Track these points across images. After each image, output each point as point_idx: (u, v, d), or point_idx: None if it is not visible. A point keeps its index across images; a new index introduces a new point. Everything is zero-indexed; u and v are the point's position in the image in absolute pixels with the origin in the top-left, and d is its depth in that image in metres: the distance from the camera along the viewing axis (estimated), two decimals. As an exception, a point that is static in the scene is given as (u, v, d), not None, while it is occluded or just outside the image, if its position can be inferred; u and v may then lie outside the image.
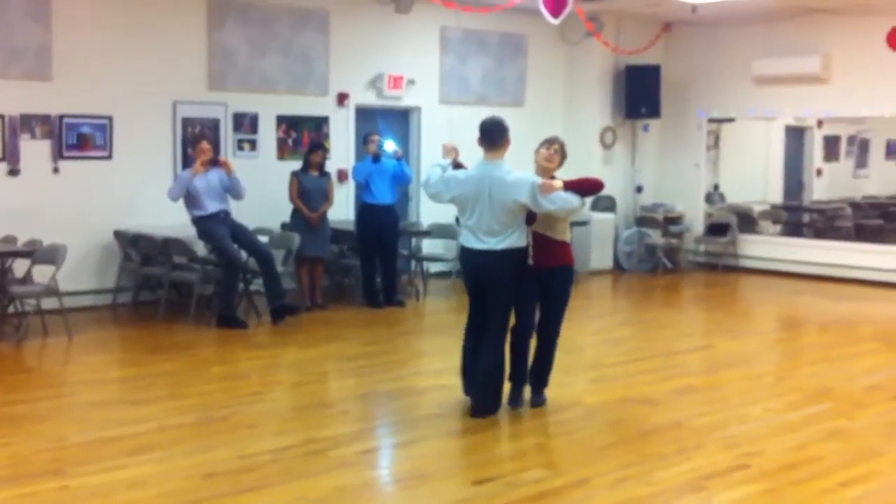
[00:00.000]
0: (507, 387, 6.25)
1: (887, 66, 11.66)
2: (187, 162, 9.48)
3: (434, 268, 11.54)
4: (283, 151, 10.70)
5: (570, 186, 5.91)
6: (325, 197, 9.74)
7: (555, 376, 7.16)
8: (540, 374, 6.37)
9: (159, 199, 9.31)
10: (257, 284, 9.28)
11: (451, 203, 6.29)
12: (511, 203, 5.91)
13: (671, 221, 13.21)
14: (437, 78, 11.95)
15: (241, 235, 8.94)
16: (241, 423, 5.96)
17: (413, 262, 11.12)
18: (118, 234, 9.58)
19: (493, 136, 6.21)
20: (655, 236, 13.13)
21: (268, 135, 10.60)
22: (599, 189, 6.22)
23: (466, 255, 6.13)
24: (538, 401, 6.34)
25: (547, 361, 6.36)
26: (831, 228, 14.07)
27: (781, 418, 6.24)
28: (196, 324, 8.87)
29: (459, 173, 6.26)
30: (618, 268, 13.07)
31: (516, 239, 5.98)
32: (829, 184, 14.92)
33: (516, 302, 6.11)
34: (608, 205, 13.12)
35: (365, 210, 9.91)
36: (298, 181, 9.63)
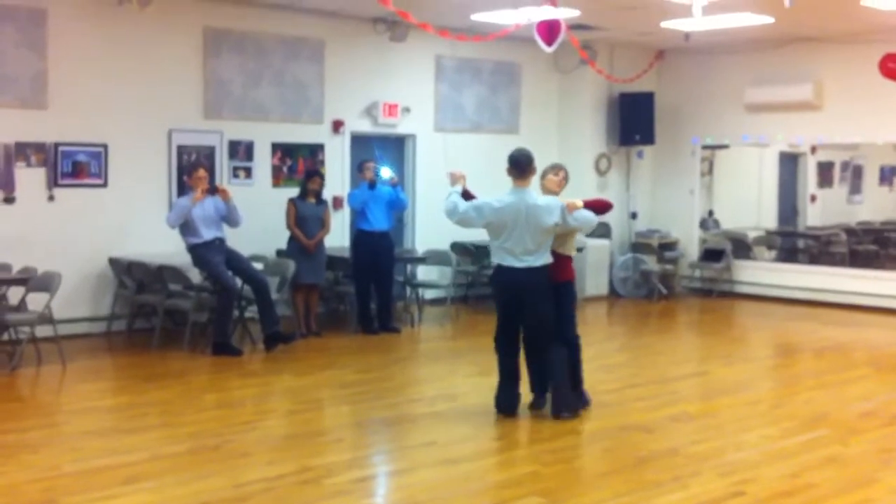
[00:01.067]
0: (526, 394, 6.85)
1: (879, 92, 11.72)
2: (182, 190, 9.49)
3: (429, 294, 11.55)
4: (279, 178, 10.73)
5: (588, 206, 6.72)
6: (322, 224, 9.76)
7: (548, 404, 7.18)
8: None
9: (154, 226, 9.34)
10: (252, 312, 9.27)
11: (483, 228, 6.90)
12: (546, 224, 6.56)
13: (666, 247, 13.25)
14: (432, 106, 12.01)
15: (236, 262, 8.94)
16: (235, 451, 5.94)
17: (408, 289, 11.12)
18: (113, 262, 9.58)
19: (523, 165, 6.86)
20: (650, 262, 13.16)
21: (263, 162, 10.63)
22: (610, 208, 6.99)
23: (506, 273, 6.72)
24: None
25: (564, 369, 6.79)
26: (826, 254, 14.10)
27: (777, 445, 6.23)
28: (191, 351, 8.86)
29: (493, 201, 6.81)
30: (613, 294, 13.08)
31: (548, 256, 6.68)
32: (823, 210, 14.97)
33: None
34: (603, 231, 13.14)
35: (360, 237, 9.93)
36: (296, 208, 9.65)
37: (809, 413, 7.05)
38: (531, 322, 6.73)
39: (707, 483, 5.42)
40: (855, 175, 15.31)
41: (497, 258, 6.79)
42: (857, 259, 13.85)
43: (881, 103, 11.76)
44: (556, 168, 7.07)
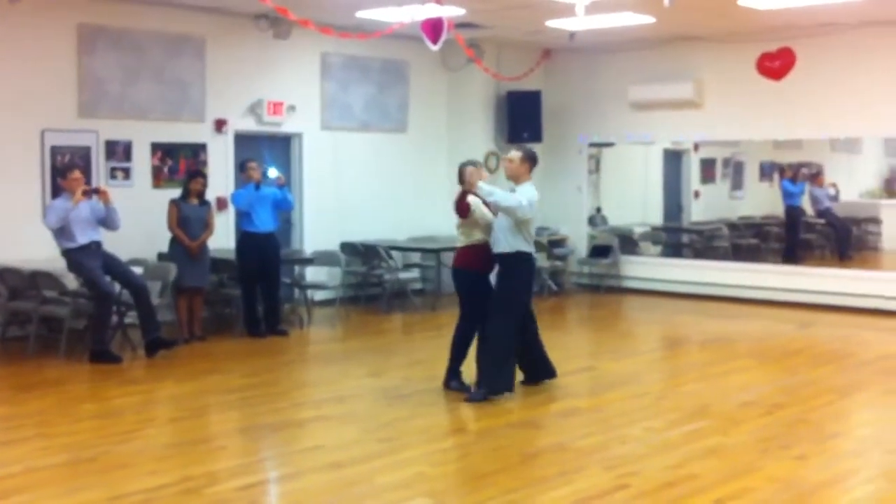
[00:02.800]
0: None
1: (757, 90, 12.08)
2: (56, 192, 9.12)
3: (319, 296, 11.39)
4: (159, 179, 10.42)
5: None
6: (206, 225, 9.52)
7: (439, 402, 7.18)
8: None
9: (27, 231, 8.98)
10: (132, 317, 8.98)
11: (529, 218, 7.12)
12: None
13: (555, 244, 13.37)
14: (319, 104, 11.84)
15: (114, 267, 8.65)
16: (114, 462, 5.73)
17: (296, 291, 10.94)
18: (-17, 268, 9.15)
19: (537, 160, 7.44)
20: (540, 259, 13.21)
21: (142, 163, 10.31)
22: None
23: (533, 262, 7.39)
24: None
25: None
26: (709, 248, 14.43)
27: (661, 437, 6.31)
28: (68, 359, 8.53)
29: (532, 195, 7.10)
30: (504, 291, 13.11)
31: None
32: (706, 205, 15.32)
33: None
34: (493, 229, 13.18)
35: (246, 238, 9.72)
36: (178, 209, 9.39)
37: (692, 405, 7.17)
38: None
39: (592, 477, 5.45)
40: (736, 171, 15.70)
41: (531, 248, 7.21)
42: (739, 253, 14.22)
43: (759, 101, 12.11)
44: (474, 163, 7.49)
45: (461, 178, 7.34)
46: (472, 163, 7.41)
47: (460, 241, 7.38)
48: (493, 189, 7.06)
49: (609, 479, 5.39)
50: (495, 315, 7.15)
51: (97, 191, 8.57)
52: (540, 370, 7.65)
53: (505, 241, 7.06)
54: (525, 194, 7.05)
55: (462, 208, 7.19)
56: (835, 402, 7.29)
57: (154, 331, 8.62)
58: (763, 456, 5.86)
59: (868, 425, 6.82)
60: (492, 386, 7.11)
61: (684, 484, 5.32)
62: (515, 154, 7.25)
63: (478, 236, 7.24)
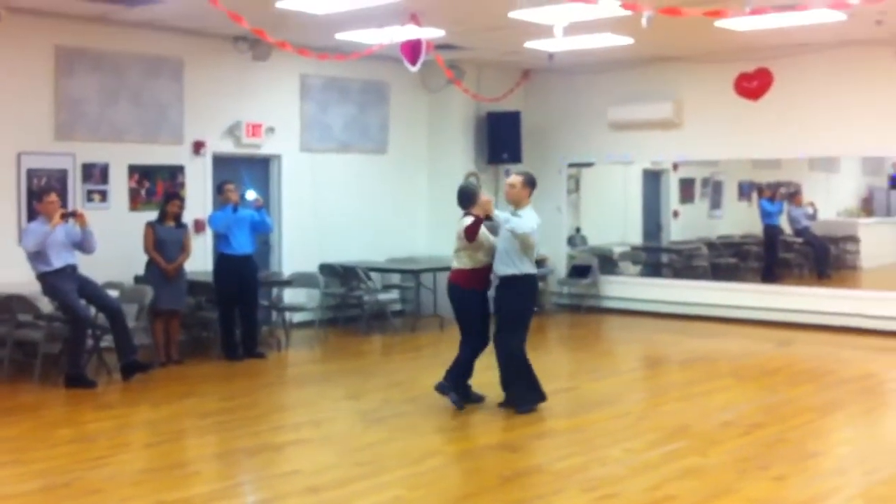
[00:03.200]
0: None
1: (736, 110, 12.15)
2: (32, 215, 9.04)
3: (297, 318, 11.32)
4: (136, 202, 10.34)
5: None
6: (182, 248, 9.46)
7: (417, 425, 7.14)
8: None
9: (1, 254, 8.87)
10: (108, 341, 8.88)
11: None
12: None
13: (535, 264, 13.30)
14: (298, 125, 11.81)
15: (89, 290, 8.56)
16: (87, 488, 5.66)
17: (274, 313, 10.88)
18: (-43, 292, 9.04)
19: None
20: (520, 280, 13.20)
21: (119, 185, 10.24)
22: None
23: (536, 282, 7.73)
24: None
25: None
26: (688, 268, 14.46)
27: (640, 458, 6.29)
28: (42, 384, 8.42)
29: (533, 219, 7.40)
30: (484, 312, 13.07)
31: None
32: (685, 225, 15.37)
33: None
34: (473, 250, 13.16)
35: (223, 261, 9.67)
36: (154, 232, 9.33)
37: (672, 425, 7.15)
38: None
39: (570, 499, 5.42)
40: (715, 191, 15.77)
41: (535, 269, 7.51)
42: (718, 272, 14.26)
43: (737, 121, 12.17)
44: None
45: (468, 202, 7.49)
46: (472, 185, 7.87)
47: (463, 264, 7.51)
48: (508, 216, 7.29)
49: (587, 502, 5.37)
50: (509, 334, 7.44)
51: (74, 214, 8.51)
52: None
53: (512, 264, 7.34)
54: (531, 219, 7.35)
55: (471, 233, 7.31)
56: (814, 422, 7.29)
57: (130, 354, 8.54)
58: (742, 476, 5.84)
59: (847, 444, 6.81)
60: (528, 400, 7.48)
61: (662, 506, 5.30)
62: (517, 179, 7.49)
63: (481, 259, 7.47)
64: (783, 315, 11.87)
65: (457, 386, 7.57)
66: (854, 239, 14.65)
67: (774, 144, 12.07)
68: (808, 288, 12.53)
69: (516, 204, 7.44)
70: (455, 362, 7.60)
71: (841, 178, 14.92)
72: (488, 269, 7.48)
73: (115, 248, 9.56)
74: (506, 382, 7.53)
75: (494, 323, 7.56)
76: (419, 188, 13.17)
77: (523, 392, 7.47)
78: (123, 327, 8.54)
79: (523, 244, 7.29)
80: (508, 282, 7.39)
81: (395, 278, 12.53)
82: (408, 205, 13.00)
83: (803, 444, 6.62)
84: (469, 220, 7.37)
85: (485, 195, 7.54)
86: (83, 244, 8.55)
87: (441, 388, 7.55)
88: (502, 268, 7.37)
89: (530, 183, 7.50)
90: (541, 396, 7.54)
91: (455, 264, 7.61)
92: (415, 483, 5.77)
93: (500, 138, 13.21)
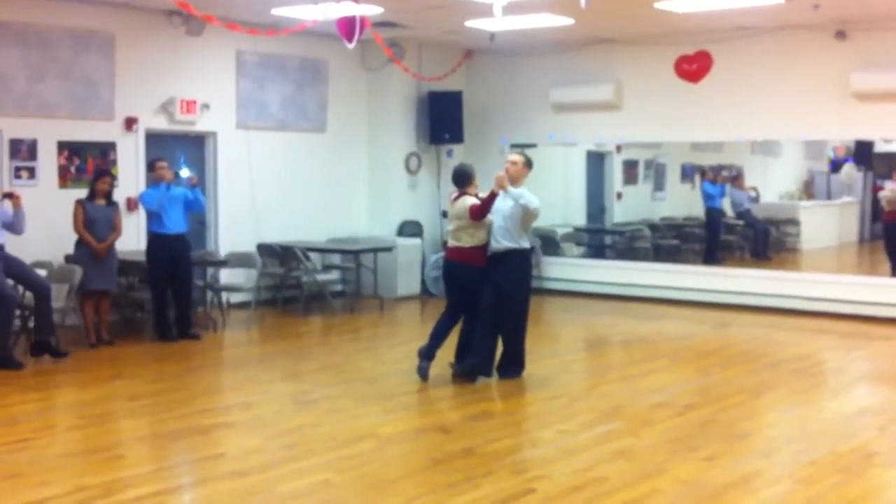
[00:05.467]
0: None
1: (676, 93, 12.15)
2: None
3: (235, 298, 11.14)
4: (66, 179, 10.07)
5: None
6: (113, 227, 9.23)
7: (349, 407, 7.05)
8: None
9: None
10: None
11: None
12: None
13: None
14: (234, 102, 11.58)
15: (16, 270, 8.34)
16: (4, 472, 5.50)
17: (209, 293, 10.68)
18: None
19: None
20: (462, 261, 13.13)
21: (48, 162, 9.96)
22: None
23: None
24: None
25: None
26: (631, 249, 14.51)
27: (572, 440, 6.25)
28: (-34, 366, 8.18)
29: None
30: (426, 293, 13.01)
31: None
32: (628, 206, 15.41)
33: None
34: (414, 230, 13.08)
35: (155, 240, 9.45)
36: (84, 210, 9.09)
37: (606, 406, 7.13)
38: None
39: (499, 482, 5.35)
40: (658, 173, 15.84)
41: (528, 243, 7.78)
42: (660, 254, 14.33)
43: (678, 103, 12.19)
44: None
45: (466, 182, 7.75)
46: (468, 166, 7.99)
47: (465, 243, 7.68)
48: (522, 191, 7.63)
49: (516, 484, 5.31)
50: (513, 304, 7.75)
51: (11, 195, 8.30)
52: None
53: (512, 239, 7.64)
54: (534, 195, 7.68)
55: (482, 211, 7.51)
56: (745, 403, 7.31)
57: (47, 333, 8.39)
58: (672, 458, 5.83)
59: (777, 425, 6.84)
60: (523, 365, 7.99)
61: (592, 487, 5.26)
62: (518, 157, 7.83)
63: (482, 236, 7.68)
64: (723, 297, 11.95)
65: (431, 355, 7.84)
66: (795, 222, 14.81)
67: (715, 127, 12.11)
68: (747, 270, 12.62)
69: (514, 181, 7.68)
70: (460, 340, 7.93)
71: (783, 162, 15.06)
72: (486, 245, 7.69)
73: (43, 227, 9.33)
74: (510, 347, 7.88)
75: (493, 296, 7.65)
76: (359, 168, 13.01)
77: (521, 357, 7.97)
78: (46, 306, 8.36)
79: (527, 219, 7.65)
80: (507, 256, 7.64)
81: (336, 259, 12.38)
82: (348, 184, 12.84)
83: (734, 426, 6.62)
84: (471, 199, 7.60)
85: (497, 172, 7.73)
86: (13, 225, 8.37)
87: (466, 371, 7.77)
88: (503, 242, 7.61)
89: (529, 164, 7.83)
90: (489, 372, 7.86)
91: (456, 243, 7.77)
92: (343, 466, 5.67)
93: (441, 118, 13.09)
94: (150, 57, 10.70)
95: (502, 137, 13.55)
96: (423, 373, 7.78)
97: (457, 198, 7.78)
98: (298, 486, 5.33)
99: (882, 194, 12.37)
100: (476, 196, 7.68)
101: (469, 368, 7.75)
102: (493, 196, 7.48)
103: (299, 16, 10.23)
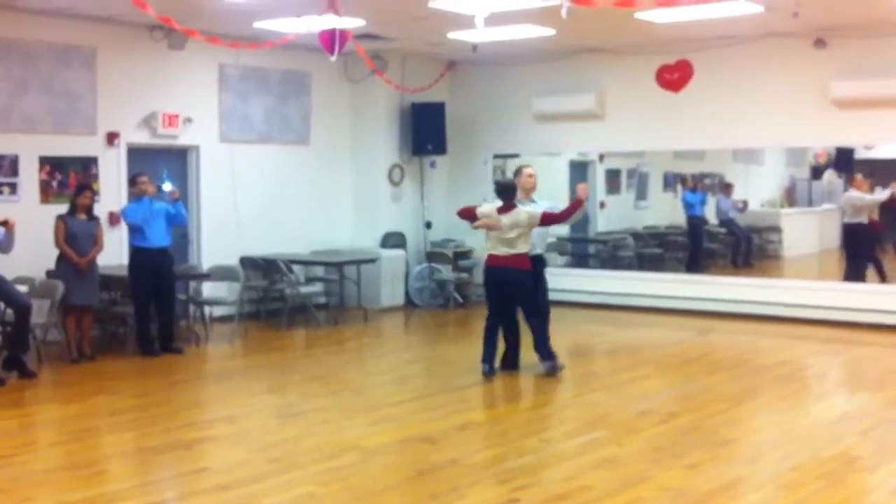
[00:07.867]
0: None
1: (658, 102, 12.22)
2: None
3: (218, 312, 11.11)
4: (48, 194, 10.03)
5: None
6: (95, 241, 9.20)
7: (334, 419, 7.05)
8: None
9: None
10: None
11: None
12: None
13: (461, 256, 13.29)
14: (217, 116, 11.57)
15: (-2, 286, 8.30)
16: (-14, 490, 5.45)
17: (192, 307, 10.65)
18: None
19: None
20: (446, 271, 13.18)
21: (30, 177, 9.91)
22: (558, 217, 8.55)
23: None
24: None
25: None
26: (615, 258, 14.55)
27: (557, 448, 6.28)
28: (-54, 383, 8.13)
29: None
30: (409, 304, 13.01)
31: None
32: (611, 215, 15.45)
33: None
34: (398, 241, 13.09)
35: (138, 254, 9.43)
36: (65, 225, 9.06)
37: (591, 415, 7.15)
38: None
39: (485, 492, 5.36)
40: (641, 182, 15.89)
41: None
42: (643, 262, 14.37)
43: (660, 113, 12.25)
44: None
45: (511, 194, 8.29)
46: (510, 179, 8.64)
47: (519, 248, 8.23)
48: (545, 202, 8.67)
49: (501, 493, 5.31)
50: (541, 303, 8.59)
51: (6, 223, 8.27)
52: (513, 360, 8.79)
53: (539, 246, 8.56)
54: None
55: (560, 218, 8.43)
56: (729, 410, 7.33)
57: (20, 349, 8.34)
58: (655, 465, 5.84)
59: (760, 432, 6.86)
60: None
61: (576, 496, 5.27)
62: (534, 171, 8.67)
63: (531, 243, 8.33)
64: (706, 304, 11.99)
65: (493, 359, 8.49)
66: (777, 229, 14.88)
67: (697, 136, 12.17)
68: (729, 277, 12.68)
69: (530, 192, 8.52)
70: (536, 338, 8.56)
71: (765, 170, 15.13)
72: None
73: (25, 243, 9.19)
74: (544, 340, 8.54)
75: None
76: (343, 180, 13.02)
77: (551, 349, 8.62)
78: (25, 323, 8.33)
79: (549, 227, 8.55)
80: (536, 261, 8.44)
81: (319, 271, 12.37)
82: (331, 197, 12.84)
83: (717, 432, 6.64)
84: (532, 207, 8.30)
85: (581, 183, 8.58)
86: (2, 245, 8.32)
87: (551, 367, 8.44)
88: (537, 248, 8.47)
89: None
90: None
91: (510, 251, 8.22)
92: (327, 479, 5.66)
93: (424, 130, 13.11)
94: (132, 71, 10.68)
95: (485, 147, 13.59)
96: (489, 373, 8.42)
97: (508, 208, 8.22)
98: (283, 499, 5.32)
99: (846, 202, 12.09)
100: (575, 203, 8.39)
101: (552, 366, 8.47)
102: (579, 203, 8.25)
103: (281, 29, 10.24)
